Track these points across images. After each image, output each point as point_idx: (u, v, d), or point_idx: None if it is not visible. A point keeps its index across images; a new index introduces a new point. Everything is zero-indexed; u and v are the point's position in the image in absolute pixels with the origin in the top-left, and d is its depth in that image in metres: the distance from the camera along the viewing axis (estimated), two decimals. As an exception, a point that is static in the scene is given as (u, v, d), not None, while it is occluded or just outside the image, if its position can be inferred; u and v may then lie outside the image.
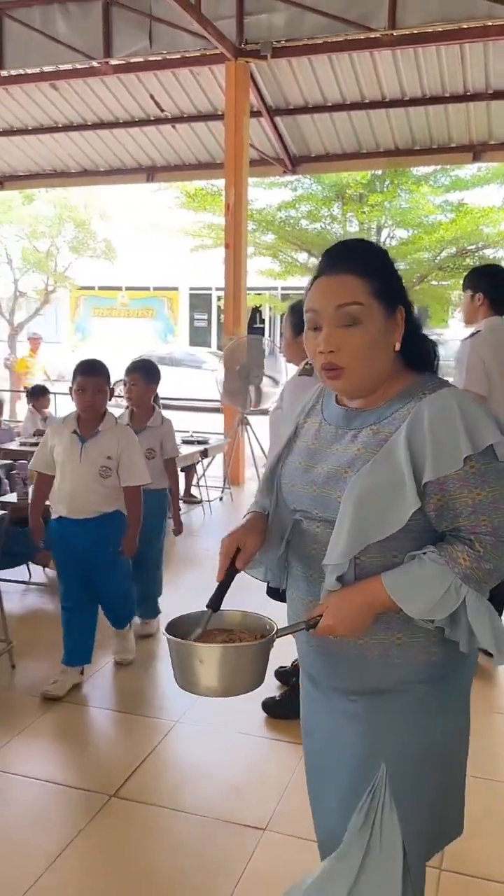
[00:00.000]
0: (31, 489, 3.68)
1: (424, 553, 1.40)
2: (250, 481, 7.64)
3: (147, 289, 25.12)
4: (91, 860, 2.26)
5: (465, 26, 6.71)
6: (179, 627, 1.49)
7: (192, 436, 6.85)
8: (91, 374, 3.26)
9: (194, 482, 6.91)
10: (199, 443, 6.59)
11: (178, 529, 4.12)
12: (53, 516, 3.35)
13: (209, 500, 6.72)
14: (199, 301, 25.12)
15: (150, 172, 10.20)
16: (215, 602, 1.51)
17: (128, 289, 25.19)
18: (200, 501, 6.77)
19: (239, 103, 7.44)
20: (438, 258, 10.62)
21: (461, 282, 3.96)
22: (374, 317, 1.43)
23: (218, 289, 24.23)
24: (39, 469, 3.42)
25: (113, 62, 7.80)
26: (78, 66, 8.02)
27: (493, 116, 8.41)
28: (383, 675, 1.49)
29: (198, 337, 24.66)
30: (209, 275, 22.37)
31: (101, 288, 24.41)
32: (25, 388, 10.13)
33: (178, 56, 7.60)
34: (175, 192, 11.81)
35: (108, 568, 3.36)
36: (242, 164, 7.53)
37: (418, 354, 1.51)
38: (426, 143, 9.00)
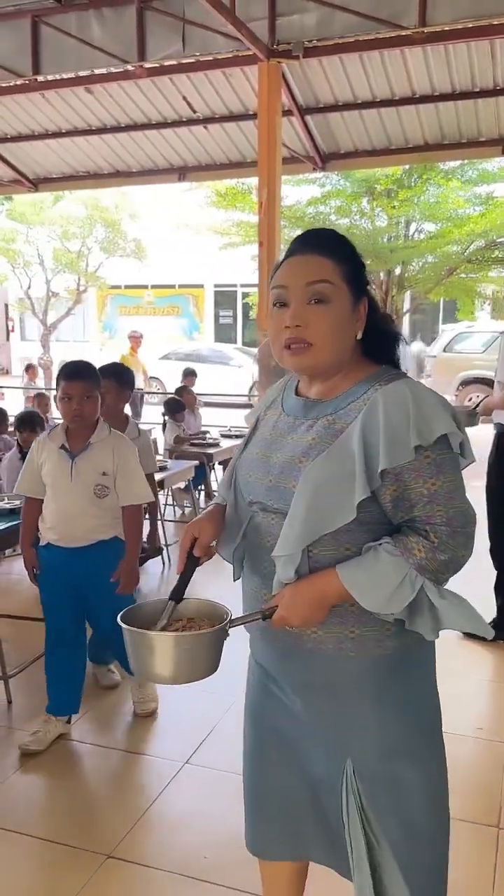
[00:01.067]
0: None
1: (380, 544, 1.40)
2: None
3: (173, 286, 25.31)
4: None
5: (496, 22, 6.77)
6: (137, 616, 1.50)
7: (230, 430, 7.01)
8: (76, 378, 2.82)
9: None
10: (238, 437, 6.74)
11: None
12: (42, 542, 2.96)
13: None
14: (225, 298, 25.27)
15: (182, 172, 10.33)
16: (177, 593, 1.53)
17: (153, 287, 25.40)
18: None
19: (272, 103, 7.56)
20: (467, 251, 10.71)
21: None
22: (342, 299, 1.46)
23: (243, 285, 24.40)
24: (26, 493, 2.98)
25: (147, 65, 7.95)
26: (112, 69, 8.18)
27: (523, 110, 8.46)
28: (337, 669, 1.48)
29: (223, 334, 24.82)
30: (234, 272, 22.65)
31: (127, 287, 24.63)
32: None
33: (211, 58, 7.73)
34: (205, 191, 11.96)
35: (109, 603, 2.79)
36: (276, 163, 7.64)
37: (378, 348, 1.53)
38: (455, 138, 9.03)
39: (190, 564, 1.55)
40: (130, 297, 25.82)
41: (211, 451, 5.97)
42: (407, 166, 10.31)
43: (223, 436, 6.65)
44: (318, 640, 1.46)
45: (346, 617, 1.44)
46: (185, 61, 7.86)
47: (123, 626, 1.45)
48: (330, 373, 1.50)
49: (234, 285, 24.33)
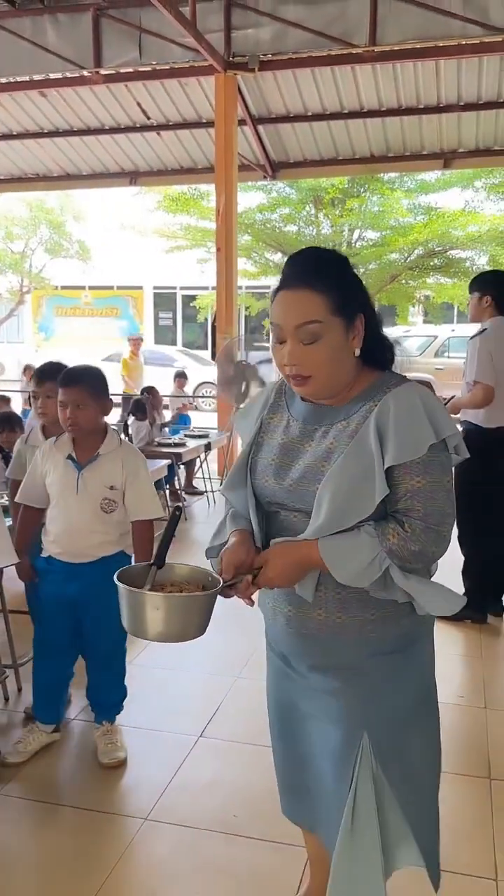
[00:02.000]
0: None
1: (363, 526, 1.48)
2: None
3: (111, 288, 25.24)
4: None
5: (441, 44, 7.17)
6: (126, 577, 1.56)
7: (192, 430, 7.21)
8: (71, 384, 2.65)
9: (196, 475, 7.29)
10: (202, 437, 6.94)
11: None
12: (43, 554, 2.82)
13: (214, 491, 7.10)
14: (164, 300, 25.34)
15: (134, 176, 10.48)
16: (160, 558, 1.60)
17: (91, 288, 25.27)
18: (204, 492, 7.14)
19: (228, 113, 7.81)
20: (409, 259, 11.18)
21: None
22: (334, 331, 1.49)
23: (183, 288, 24.55)
24: (26, 502, 2.82)
25: (103, 72, 8.07)
26: (68, 74, 8.27)
27: (463, 127, 8.93)
28: (359, 650, 1.57)
29: (163, 335, 24.89)
30: (174, 274, 22.77)
31: (64, 287, 24.45)
32: (128, 396, 9.37)
33: (168, 67, 7.91)
34: (154, 196, 12.11)
35: (106, 623, 2.63)
36: (232, 171, 7.90)
37: (378, 354, 1.59)
38: (400, 151, 9.48)
39: (169, 527, 1.62)
40: (67, 298, 25.59)
41: (179, 450, 6.16)
42: (352, 176, 10.71)
43: (187, 436, 6.84)
44: (342, 625, 1.55)
45: (368, 602, 1.53)
46: (141, 69, 8.02)
47: (121, 585, 1.52)
48: (336, 391, 1.56)
49: (174, 287, 24.45)
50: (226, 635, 3.36)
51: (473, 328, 4.35)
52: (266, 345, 8.19)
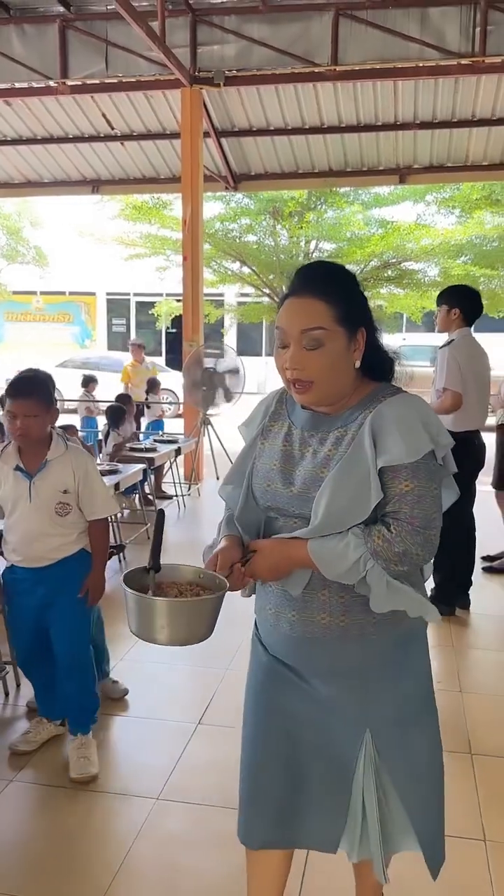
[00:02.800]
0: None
1: (352, 528, 1.52)
2: (209, 478, 8.19)
3: (63, 293, 25.13)
4: None
5: (400, 66, 7.51)
6: (130, 582, 1.55)
7: (162, 436, 7.36)
8: (20, 396, 2.64)
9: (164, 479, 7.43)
10: (171, 442, 7.08)
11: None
12: (6, 564, 2.87)
13: (184, 495, 7.24)
14: (117, 306, 25.33)
15: (96, 185, 10.57)
16: (155, 562, 1.61)
17: (43, 293, 25.12)
18: (173, 496, 7.29)
19: (194, 127, 8.00)
20: (364, 270, 11.51)
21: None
22: (336, 340, 1.53)
23: (136, 294, 24.60)
24: None
25: (70, 83, 8.18)
26: (35, 84, 8.35)
27: (419, 144, 9.30)
28: (361, 652, 1.61)
29: (116, 342, 24.87)
30: (128, 281, 22.80)
31: (15, 293, 24.24)
32: (139, 402, 9.08)
33: (135, 80, 8.07)
34: (114, 204, 12.21)
35: (68, 622, 2.78)
36: (198, 182, 8.08)
37: (378, 366, 1.64)
38: (357, 165, 9.80)
39: (157, 531, 1.65)
40: (18, 304, 25.38)
41: (151, 455, 6.29)
42: (311, 189, 11.01)
43: (157, 441, 6.98)
44: (345, 628, 1.59)
45: (369, 604, 1.57)
46: (108, 81, 8.15)
47: (129, 591, 1.51)
48: (334, 400, 1.60)
49: (128, 294, 24.47)
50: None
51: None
52: (216, 351, 8.33)
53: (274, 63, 7.69)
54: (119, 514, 5.70)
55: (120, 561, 5.29)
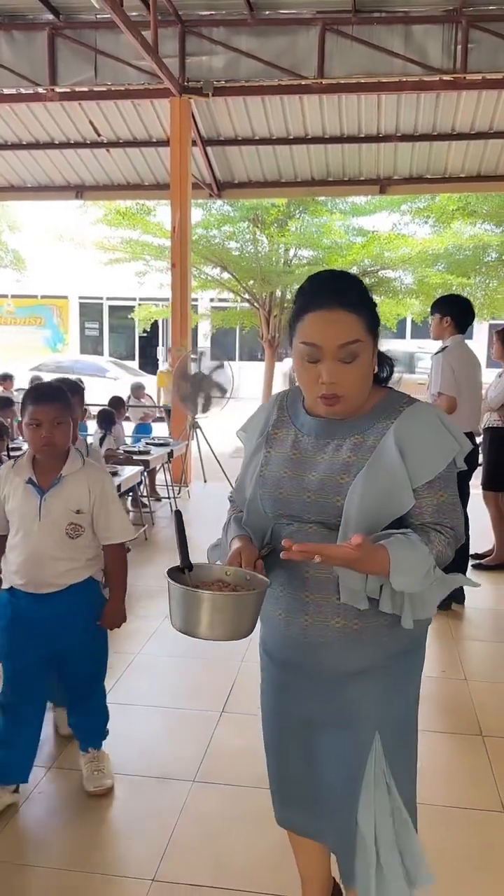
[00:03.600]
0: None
1: (407, 534, 1.52)
2: (197, 480, 8.33)
3: (35, 297, 25.02)
4: None
5: (384, 80, 7.75)
6: (174, 575, 1.58)
7: (153, 439, 7.47)
8: (46, 401, 2.47)
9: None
10: (164, 445, 7.20)
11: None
12: (4, 586, 2.62)
13: (175, 497, 7.36)
14: (90, 310, 25.29)
15: (80, 190, 10.64)
16: (186, 562, 1.62)
17: (14, 297, 24.97)
18: (166, 498, 7.41)
19: (183, 136, 8.14)
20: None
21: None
22: (368, 350, 1.56)
23: (109, 298, 24.59)
24: None
25: (58, 89, 8.27)
26: (23, 90, 8.42)
27: (399, 155, 9.55)
28: (374, 654, 1.62)
29: (89, 346, 24.83)
30: (100, 285, 22.81)
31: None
32: (166, 407, 9.44)
33: (123, 88, 8.18)
34: (96, 209, 12.29)
35: (80, 653, 2.63)
36: (187, 190, 8.22)
37: (380, 371, 1.67)
38: (339, 175, 10.00)
39: (180, 531, 1.65)
40: (-13, 307, 25.23)
41: (147, 458, 6.41)
42: (292, 198, 11.23)
43: (149, 444, 7.09)
44: (359, 631, 1.60)
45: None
46: (97, 89, 8.25)
47: (177, 585, 1.52)
48: (359, 407, 1.62)
49: (101, 298, 24.47)
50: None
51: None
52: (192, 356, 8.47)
53: (261, 75, 7.87)
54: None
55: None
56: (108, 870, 2.32)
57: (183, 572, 1.61)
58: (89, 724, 2.80)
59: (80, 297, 24.96)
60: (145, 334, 21.51)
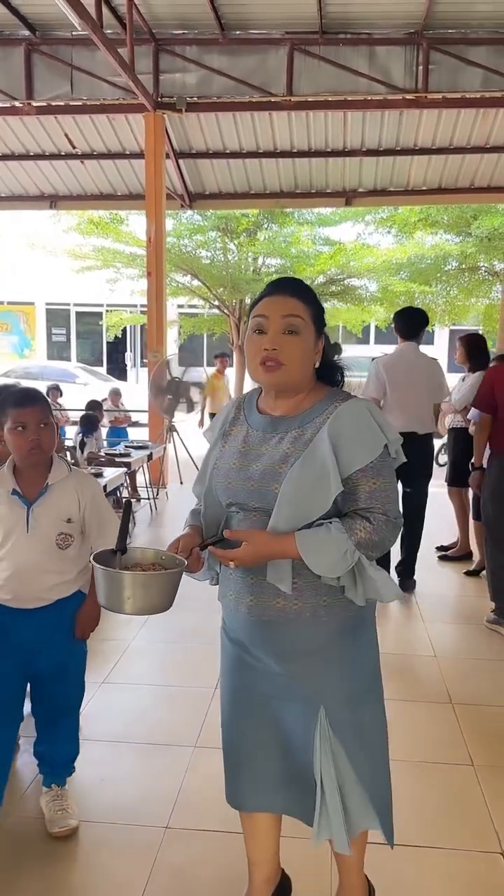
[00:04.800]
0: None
1: (331, 522, 1.68)
2: (174, 482, 8.61)
3: (1, 303, 25.05)
4: None
5: (350, 98, 8.13)
6: (101, 560, 1.75)
7: (133, 443, 7.75)
8: (30, 403, 2.34)
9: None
10: (143, 448, 7.47)
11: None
12: None
13: (154, 498, 7.64)
14: (57, 316, 25.39)
15: (53, 200, 10.86)
16: (122, 544, 1.80)
17: (-23, 303, 24.99)
18: (147, 498, 7.68)
19: (157, 149, 8.43)
20: (312, 285, 12.08)
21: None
22: (308, 333, 1.74)
23: (76, 304, 24.73)
24: None
25: (35, 104, 8.51)
26: (0, 104, 8.64)
27: (364, 169, 9.96)
28: (314, 633, 1.76)
29: (56, 351, 24.94)
30: (67, 291, 22.93)
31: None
32: (213, 414, 9.50)
33: (99, 103, 8.45)
34: (69, 218, 12.51)
35: (58, 671, 2.48)
36: (161, 202, 8.51)
37: (329, 374, 1.85)
38: (306, 188, 10.39)
39: (125, 517, 1.84)
40: (-49, 313, 25.18)
41: (129, 460, 6.68)
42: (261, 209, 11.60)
43: (128, 447, 7.36)
44: (298, 610, 1.75)
45: (320, 588, 1.74)
46: (73, 103, 8.50)
47: (97, 566, 1.71)
48: (293, 392, 1.78)
49: (68, 304, 24.59)
50: (205, 616, 3.99)
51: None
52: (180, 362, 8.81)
53: (232, 92, 8.20)
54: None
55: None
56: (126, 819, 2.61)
57: (115, 554, 1.79)
58: (56, 754, 2.61)
59: (47, 303, 25.07)
60: (116, 339, 21.78)
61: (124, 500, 1.98)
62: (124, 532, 1.82)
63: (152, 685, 3.64)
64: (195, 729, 3.18)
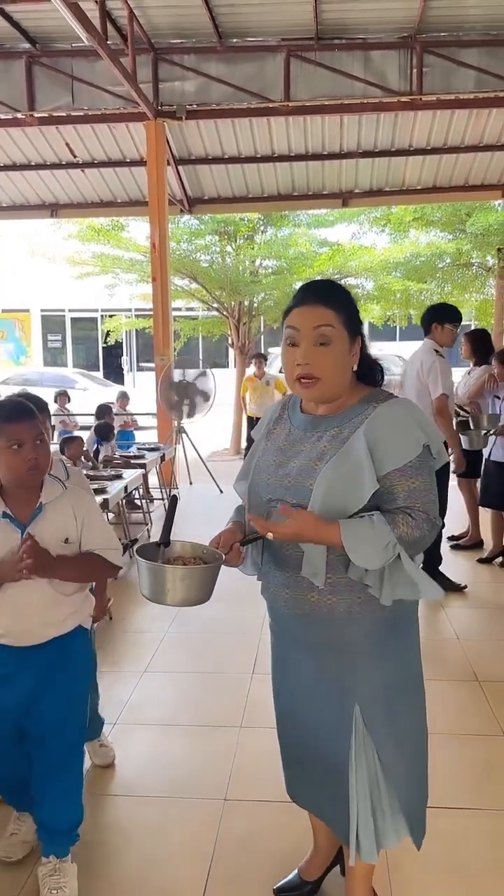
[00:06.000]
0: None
1: (373, 515, 1.69)
2: (183, 483, 8.77)
3: (-5, 311, 25.17)
4: None
5: (346, 102, 8.31)
6: (145, 553, 1.80)
7: (144, 445, 7.91)
8: (26, 417, 2.11)
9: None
10: (155, 450, 7.63)
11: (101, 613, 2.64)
12: None
13: (164, 499, 7.80)
14: (52, 323, 25.51)
15: (54, 208, 11.00)
16: (165, 537, 1.85)
17: (-25, 312, 25.08)
18: (161, 499, 7.84)
19: (159, 157, 8.59)
20: (310, 286, 12.28)
21: None
22: (341, 341, 1.73)
23: (71, 310, 24.84)
24: None
25: (37, 115, 8.65)
26: (2, 116, 8.78)
27: (360, 170, 10.13)
28: (348, 630, 1.78)
29: (52, 358, 25.06)
30: (61, 297, 23.05)
31: None
32: (251, 417, 9.27)
33: (100, 112, 8.60)
34: (70, 225, 12.65)
35: (59, 717, 2.20)
36: (164, 208, 8.67)
37: (369, 373, 1.84)
38: (304, 190, 10.55)
39: (170, 512, 1.88)
40: None
41: (144, 461, 6.83)
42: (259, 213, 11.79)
43: (140, 449, 7.52)
44: (332, 605, 1.76)
45: (355, 585, 1.74)
46: (74, 114, 8.65)
47: (142, 560, 1.75)
48: (334, 397, 1.79)
49: (62, 310, 24.71)
50: (234, 607, 4.17)
51: None
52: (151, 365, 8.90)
53: (231, 99, 8.37)
54: (128, 516, 6.26)
55: (131, 556, 5.84)
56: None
57: (159, 547, 1.86)
58: (57, 820, 2.23)
59: (42, 310, 25.18)
60: (115, 344, 21.91)
61: (171, 496, 1.94)
62: (168, 526, 1.85)
63: (191, 672, 3.81)
64: (238, 711, 3.36)
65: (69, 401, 9.84)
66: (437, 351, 4.69)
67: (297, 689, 1.91)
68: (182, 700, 3.50)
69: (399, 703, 1.84)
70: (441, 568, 4.97)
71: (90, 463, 6.44)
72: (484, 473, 5.65)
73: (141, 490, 7.20)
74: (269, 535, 1.71)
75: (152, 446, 7.78)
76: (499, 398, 5.62)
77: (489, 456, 5.52)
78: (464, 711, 3.36)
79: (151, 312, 9.02)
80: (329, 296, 1.77)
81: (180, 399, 8.32)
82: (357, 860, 1.88)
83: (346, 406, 1.79)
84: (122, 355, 24.25)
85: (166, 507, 7.70)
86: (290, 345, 1.76)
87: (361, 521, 1.68)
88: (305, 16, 7.52)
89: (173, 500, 1.98)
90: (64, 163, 10.00)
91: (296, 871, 2.23)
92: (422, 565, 1.86)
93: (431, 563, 4.88)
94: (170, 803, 2.73)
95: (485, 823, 2.58)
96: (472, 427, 5.50)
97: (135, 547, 2.01)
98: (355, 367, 1.80)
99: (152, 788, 2.82)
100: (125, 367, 24.57)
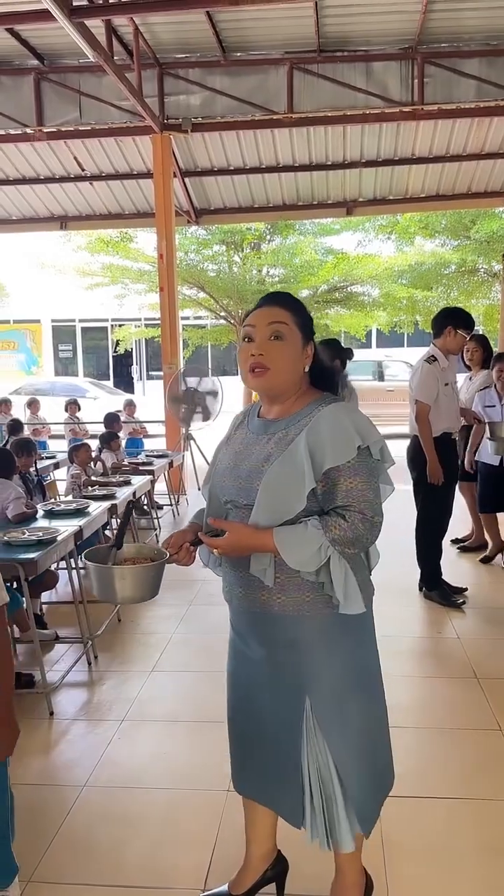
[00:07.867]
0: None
1: (309, 520, 1.76)
2: (192, 489, 8.89)
3: (7, 322, 25.42)
4: None
5: (349, 113, 8.44)
6: (93, 557, 1.93)
7: (153, 452, 8.03)
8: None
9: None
10: (164, 457, 7.75)
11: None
12: None
13: (176, 504, 7.92)
14: (63, 333, 25.77)
15: (63, 221, 11.19)
16: (119, 541, 1.97)
17: (-14, 322, 25.38)
18: (170, 504, 7.95)
19: (165, 169, 8.76)
20: (317, 293, 12.47)
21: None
22: (294, 339, 1.82)
23: (82, 320, 25.11)
24: None
25: (45, 130, 8.84)
26: (11, 131, 8.97)
27: (364, 180, 10.28)
28: (297, 627, 1.83)
29: (63, 367, 25.31)
30: (72, 307, 23.31)
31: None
32: None
33: (107, 127, 8.78)
34: (79, 237, 12.86)
35: None
36: (171, 219, 8.82)
37: (321, 381, 1.93)
38: (308, 200, 10.70)
39: (125, 517, 2.06)
40: (-40, 334, 25.58)
41: (152, 468, 6.95)
42: (265, 222, 11.94)
43: (149, 456, 7.65)
44: (282, 605, 1.83)
45: (303, 585, 1.81)
46: (82, 128, 8.83)
47: (90, 563, 1.88)
48: (284, 396, 1.86)
49: (73, 320, 24.96)
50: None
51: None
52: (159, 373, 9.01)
53: (235, 111, 8.52)
54: (138, 522, 6.36)
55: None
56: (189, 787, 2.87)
57: (111, 549, 1.99)
58: None
59: (53, 321, 25.45)
60: (125, 353, 22.13)
61: (127, 502, 2.03)
62: (122, 530, 1.99)
63: (196, 671, 3.91)
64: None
65: (79, 409, 10.00)
66: (433, 357, 4.67)
67: (253, 680, 1.96)
68: (187, 697, 3.61)
69: (350, 698, 1.89)
70: (446, 568, 5.07)
71: (99, 469, 6.56)
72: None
73: (146, 497, 7.33)
74: (215, 552, 1.84)
75: (160, 453, 7.90)
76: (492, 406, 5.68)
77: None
78: (461, 707, 3.44)
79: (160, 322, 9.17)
80: (286, 300, 1.88)
81: (188, 407, 8.44)
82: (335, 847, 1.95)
83: (294, 409, 1.87)
84: (131, 364, 24.46)
85: (175, 511, 7.82)
86: (246, 341, 1.84)
87: (295, 526, 1.76)
88: (307, 29, 7.66)
89: (128, 507, 2.26)
90: (72, 176, 10.20)
91: (225, 885, 2.22)
92: (423, 579, 1.91)
93: (433, 576, 4.93)
94: (174, 794, 2.83)
95: (476, 811, 2.66)
96: (490, 435, 5.53)
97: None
98: (307, 369, 1.88)
99: (158, 780, 2.93)
100: (135, 375, 24.78)
